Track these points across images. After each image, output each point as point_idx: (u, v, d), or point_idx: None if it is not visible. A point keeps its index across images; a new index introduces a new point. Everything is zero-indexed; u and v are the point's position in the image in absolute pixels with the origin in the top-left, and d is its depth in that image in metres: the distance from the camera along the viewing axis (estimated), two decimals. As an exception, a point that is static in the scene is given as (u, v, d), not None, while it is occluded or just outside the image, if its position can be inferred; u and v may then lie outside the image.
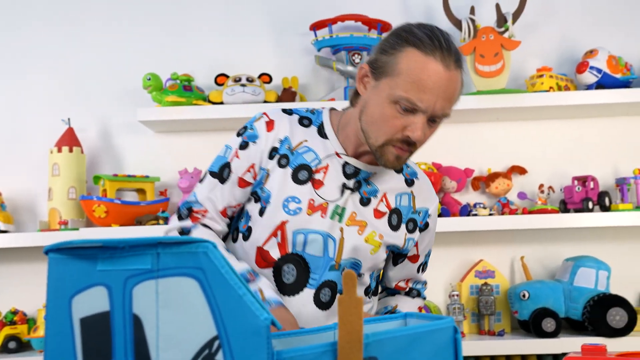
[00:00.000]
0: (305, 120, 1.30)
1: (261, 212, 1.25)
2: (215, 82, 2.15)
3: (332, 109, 1.35)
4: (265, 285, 1.21)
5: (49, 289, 0.70)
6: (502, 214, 2.12)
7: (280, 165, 1.25)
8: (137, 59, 2.27)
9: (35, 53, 2.29)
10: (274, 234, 1.23)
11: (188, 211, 1.28)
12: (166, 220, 2.08)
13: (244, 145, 1.28)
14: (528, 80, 2.17)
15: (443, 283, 2.21)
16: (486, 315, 2.09)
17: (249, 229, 1.27)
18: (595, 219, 2.03)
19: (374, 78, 1.18)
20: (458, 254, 2.22)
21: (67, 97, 2.28)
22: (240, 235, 1.29)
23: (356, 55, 2.16)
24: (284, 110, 1.32)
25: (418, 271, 1.42)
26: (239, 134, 1.30)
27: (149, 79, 2.06)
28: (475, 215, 2.10)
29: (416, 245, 1.37)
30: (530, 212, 2.11)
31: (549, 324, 1.98)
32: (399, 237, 1.31)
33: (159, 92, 2.09)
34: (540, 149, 2.25)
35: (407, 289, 1.44)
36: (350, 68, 2.14)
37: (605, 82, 2.10)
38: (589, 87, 2.13)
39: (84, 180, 2.15)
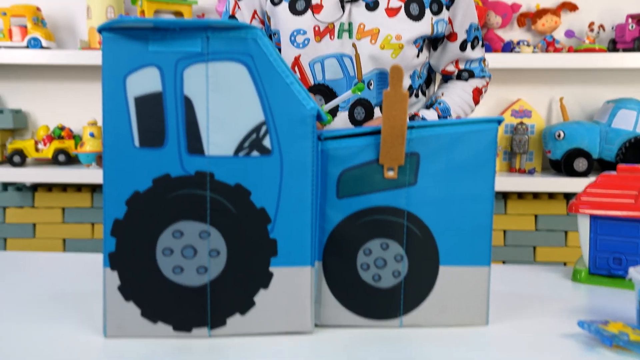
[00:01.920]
0: None
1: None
2: None
3: None
4: None
5: (104, 69, 0.72)
6: (547, 52, 2.05)
7: (275, 3, 1.24)
8: None
9: None
10: (293, 71, 1.22)
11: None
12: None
13: None
14: None
15: (478, 120, 2.21)
16: (518, 153, 2.11)
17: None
18: (644, 59, 1.95)
19: None
20: (496, 92, 2.19)
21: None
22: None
23: None
24: None
25: (463, 49, 1.32)
26: None
27: None
28: (518, 52, 2.04)
29: (450, 22, 1.28)
30: (576, 51, 2.04)
31: (580, 164, 1.99)
32: (424, 25, 1.23)
33: None
34: (595, -16, 2.12)
35: (457, 72, 1.36)
36: None
37: None
38: None
39: (122, 0, 2.12)
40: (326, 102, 1.23)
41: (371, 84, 1.23)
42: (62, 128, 2.13)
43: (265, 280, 0.74)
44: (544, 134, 2.11)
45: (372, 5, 1.21)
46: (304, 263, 0.74)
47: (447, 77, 1.40)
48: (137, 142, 0.72)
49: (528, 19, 2.14)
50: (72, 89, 2.23)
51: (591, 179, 1.99)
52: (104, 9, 2.08)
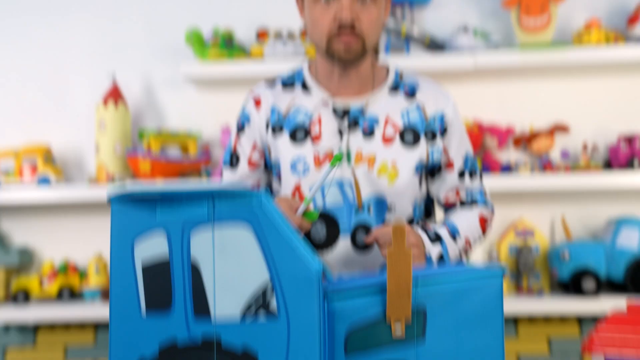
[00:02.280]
0: (288, 82, 1.34)
1: (280, 184, 1.31)
2: (257, 37, 2.16)
3: (310, 59, 1.39)
4: None
5: (112, 236, 0.74)
6: (544, 172, 2.10)
7: (277, 134, 1.30)
8: (178, 14, 2.28)
9: (78, 6, 2.31)
10: (293, 198, 1.26)
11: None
12: (209, 177, 2.12)
13: (241, 129, 1.35)
14: (575, 34, 2.11)
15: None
16: (525, 274, 2.09)
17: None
18: (641, 178, 1.99)
19: (300, 2, 1.29)
20: (498, 212, 2.16)
21: (110, 51, 2.31)
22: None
23: (398, 9, 2.13)
24: (267, 81, 1.37)
25: (462, 177, 1.33)
26: (238, 127, 1.37)
27: (191, 34, 2.08)
28: (517, 173, 2.08)
29: (445, 151, 1.31)
30: (573, 171, 2.08)
31: (589, 284, 1.97)
32: (419, 153, 1.27)
33: (201, 47, 2.10)
34: (585, 107, 2.20)
35: (460, 201, 1.36)
36: (391, 22, 2.11)
37: (657, 37, 2.03)
38: (640, 41, 2.06)
39: (129, 136, 2.20)
40: (327, 228, 1.24)
41: (370, 209, 1.25)
42: (67, 263, 2.13)
43: None
44: (549, 254, 2.10)
45: (368, 133, 1.26)
46: None
47: (448, 208, 1.40)
48: (144, 309, 0.73)
49: (524, 140, 2.20)
50: (79, 224, 2.26)
51: (601, 300, 1.96)
52: (112, 145, 2.15)
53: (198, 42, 2.09)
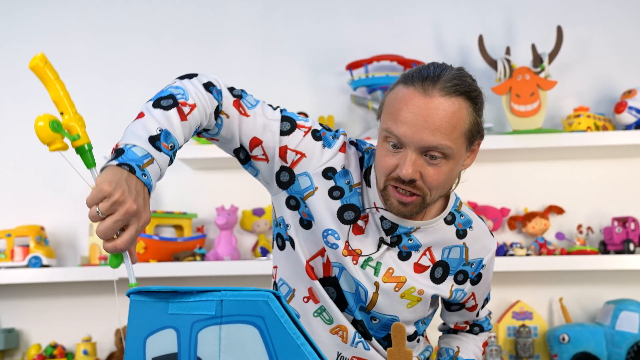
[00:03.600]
0: (361, 160, 1.23)
1: (305, 226, 1.19)
2: (253, 120, 2.19)
3: None
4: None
5: (128, 329, 0.74)
6: (540, 254, 2.09)
7: (332, 197, 1.18)
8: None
9: (76, 86, 2.36)
10: (321, 254, 1.19)
11: (229, 90, 1.17)
12: (203, 257, 2.10)
13: (317, 136, 1.18)
14: (565, 120, 2.17)
15: (479, 324, 2.18)
16: (524, 357, 2.05)
17: (291, 239, 1.21)
18: (636, 261, 1.99)
19: (378, 121, 1.17)
20: (495, 295, 2.18)
21: (105, 133, 2.34)
22: (288, 243, 1.22)
23: (392, 95, 2.19)
24: (352, 142, 1.24)
25: (477, 314, 1.36)
26: (316, 129, 1.20)
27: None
28: (512, 255, 2.08)
29: (473, 297, 1.29)
30: (569, 253, 2.08)
31: (590, 369, 1.93)
32: (444, 290, 1.24)
33: (199, 130, 2.14)
34: (578, 189, 2.23)
35: (469, 327, 1.39)
36: (386, 107, 2.17)
37: (644, 122, 2.09)
38: (627, 127, 2.11)
39: (123, 216, 2.19)
40: (337, 298, 1.20)
41: (376, 320, 1.22)
42: (54, 346, 2.08)
43: None
44: (548, 337, 2.07)
45: (404, 255, 1.21)
46: None
47: (455, 331, 1.41)
48: None
49: (519, 222, 2.21)
50: (69, 305, 2.22)
51: (604, 386, 1.91)
52: (107, 225, 2.14)
53: (196, 125, 2.13)
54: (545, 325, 2.12)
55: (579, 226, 2.13)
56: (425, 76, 1.07)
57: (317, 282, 1.20)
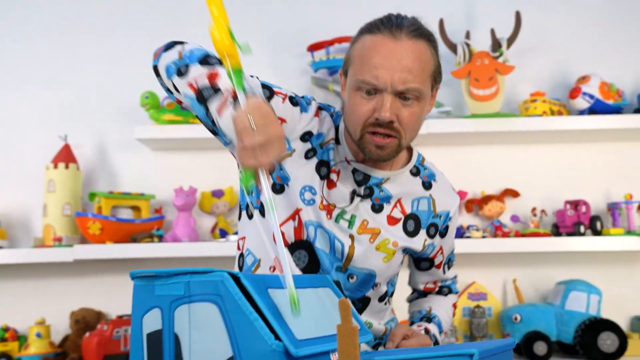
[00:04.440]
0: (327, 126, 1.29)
1: (277, 191, 1.22)
2: (213, 101, 2.17)
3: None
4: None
5: (133, 310, 0.84)
6: (495, 236, 2.14)
7: (307, 157, 1.23)
8: (134, 77, 2.28)
9: (32, 67, 2.30)
10: (292, 218, 1.21)
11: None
12: (160, 238, 2.08)
13: (294, 102, 1.23)
14: (522, 105, 2.20)
15: (436, 304, 2.22)
16: (478, 337, 2.10)
17: (262, 205, 1.23)
18: (587, 243, 2.05)
19: (344, 77, 1.21)
20: (451, 276, 2.23)
21: (63, 113, 2.29)
22: (257, 211, 1.24)
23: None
24: (322, 106, 1.29)
25: (444, 272, 1.41)
26: (292, 96, 1.24)
27: (147, 97, 2.08)
28: (469, 237, 2.12)
29: (440, 251, 1.34)
30: (523, 235, 2.13)
31: (540, 348, 1.99)
32: (417, 243, 1.28)
33: (156, 110, 2.10)
34: (533, 173, 2.28)
35: (437, 289, 1.44)
36: (346, 90, 2.17)
37: (597, 108, 2.14)
38: (581, 112, 2.16)
39: (79, 197, 2.15)
40: (308, 262, 1.20)
41: (354, 277, 1.23)
42: (6, 329, 2.04)
43: None
44: (501, 317, 2.12)
45: (377, 208, 1.25)
46: None
47: (424, 293, 1.45)
48: None
49: (475, 205, 2.25)
50: (22, 288, 2.18)
51: (553, 363, 1.97)
52: (61, 206, 2.10)
53: (154, 104, 2.09)
54: (499, 306, 2.17)
55: (533, 209, 2.18)
56: (391, 23, 1.14)
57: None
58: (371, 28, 1.15)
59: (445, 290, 1.44)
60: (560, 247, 2.06)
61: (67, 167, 2.11)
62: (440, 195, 1.31)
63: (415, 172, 1.30)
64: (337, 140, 1.26)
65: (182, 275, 0.80)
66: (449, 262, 1.42)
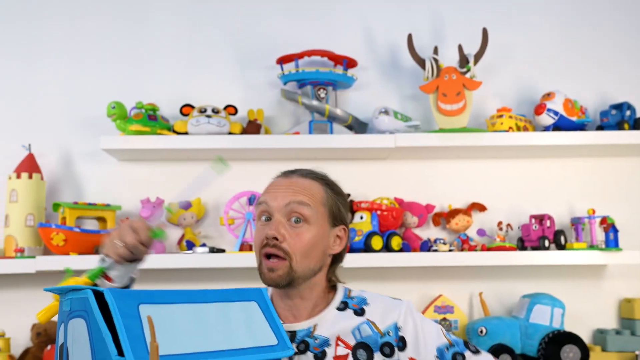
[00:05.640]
0: None
1: None
2: (181, 112, 2.16)
3: None
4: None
5: (58, 322, 0.91)
6: (462, 250, 2.16)
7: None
8: (101, 87, 2.26)
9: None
10: None
11: None
12: (126, 250, 2.05)
13: None
14: (488, 120, 2.24)
15: (403, 318, 2.22)
16: (444, 350, 2.11)
17: None
18: (551, 257, 2.08)
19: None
20: (418, 289, 2.24)
21: (27, 122, 2.25)
22: None
23: (322, 90, 2.20)
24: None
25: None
26: None
27: (113, 107, 2.06)
28: (436, 250, 2.13)
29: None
30: (489, 249, 2.15)
31: (505, 361, 2.01)
32: None
33: (123, 120, 2.08)
34: (499, 187, 2.31)
35: None
36: (315, 102, 2.17)
37: (561, 124, 2.18)
38: (546, 128, 2.20)
39: (43, 207, 2.12)
40: None
41: None
42: (-35, 343, 1.98)
43: None
44: (467, 330, 2.13)
45: (320, 356, 1.21)
46: None
47: None
48: None
49: (442, 219, 2.27)
50: (-19, 299, 2.12)
51: (517, 376, 1.99)
52: (24, 216, 2.06)
53: (121, 114, 2.07)
54: (465, 319, 2.18)
55: (499, 223, 2.21)
56: (287, 171, 1.32)
57: None
58: (274, 178, 1.32)
59: None
60: (525, 260, 2.09)
61: (30, 176, 2.07)
62: (378, 314, 1.26)
63: (343, 307, 1.28)
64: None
65: (71, 292, 0.87)
66: (455, 356, 1.25)
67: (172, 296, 0.87)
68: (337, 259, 1.32)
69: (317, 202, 1.25)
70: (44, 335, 2.03)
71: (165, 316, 0.84)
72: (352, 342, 1.23)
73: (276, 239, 1.20)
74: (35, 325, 2.06)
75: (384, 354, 1.23)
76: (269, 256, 1.22)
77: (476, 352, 1.28)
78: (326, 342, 1.22)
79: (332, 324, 1.24)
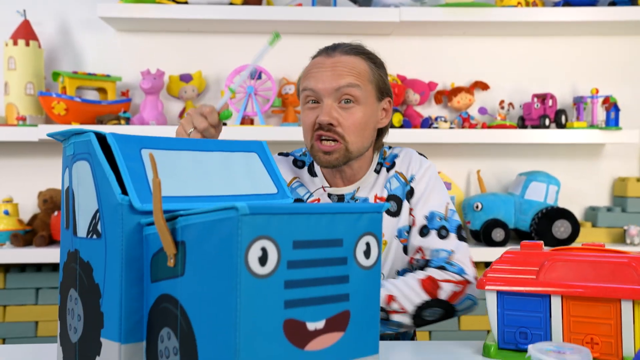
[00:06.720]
0: (299, 162, 1.38)
1: None
2: (180, -21, 2.08)
3: None
4: None
5: (62, 167, 0.91)
6: (462, 127, 2.16)
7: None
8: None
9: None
10: None
11: None
12: (127, 121, 2.06)
13: None
14: (497, -5, 2.16)
15: (401, 193, 2.27)
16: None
17: None
18: (550, 135, 2.09)
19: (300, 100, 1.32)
20: (417, 166, 2.26)
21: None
22: None
23: (326, -40, 2.11)
24: (281, 154, 1.41)
25: (425, 236, 1.25)
26: None
27: (110, -27, 1.98)
28: (436, 128, 2.14)
29: (410, 212, 1.29)
30: (490, 127, 2.16)
31: (498, 234, 2.07)
32: (403, 218, 1.28)
33: (121, -13, 2.02)
34: (503, 66, 2.27)
35: (423, 262, 1.26)
36: (319, -28, 2.09)
37: (572, 0, 2.11)
38: (556, 4, 2.13)
39: (42, 76, 2.10)
40: None
41: None
42: (-26, 207, 2.04)
43: (97, 348, 0.80)
44: (463, 206, 2.19)
45: None
46: (114, 339, 0.78)
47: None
48: (65, 226, 0.90)
49: (444, 97, 2.26)
50: (-13, 166, 2.16)
51: (507, 248, 2.06)
52: (23, 85, 2.05)
53: (117, -20, 2.00)
54: (462, 195, 2.23)
55: (501, 102, 2.20)
56: (327, 47, 1.28)
57: None
58: (313, 56, 1.30)
59: (433, 265, 1.23)
60: (525, 139, 2.10)
61: (27, 44, 2.04)
62: (405, 165, 1.32)
63: (379, 169, 1.33)
64: (313, 173, 1.35)
65: (74, 136, 0.87)
66: (440, 230, 1.25)
67: (174, 143, 0.87)
68: (382, 130, 1.34)
69: (365, 80, 1.25)
70: (50, 202, 2.08)
71: (166, 161, 0.85)
72: (385, 195, 1.30)
73: (331, 124, 1.22)
74: (42, 192, 2.11)
75: (408, 201, 1.30)
76: (321, 138, 1.23)
77: (461, 239, 1.27)
78: (366, 202, 1.30)
79: (371, 185, 1.32)
